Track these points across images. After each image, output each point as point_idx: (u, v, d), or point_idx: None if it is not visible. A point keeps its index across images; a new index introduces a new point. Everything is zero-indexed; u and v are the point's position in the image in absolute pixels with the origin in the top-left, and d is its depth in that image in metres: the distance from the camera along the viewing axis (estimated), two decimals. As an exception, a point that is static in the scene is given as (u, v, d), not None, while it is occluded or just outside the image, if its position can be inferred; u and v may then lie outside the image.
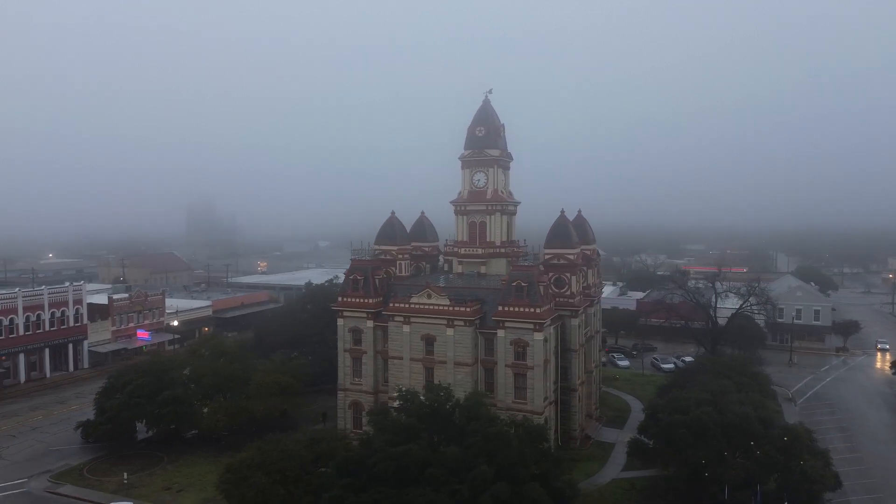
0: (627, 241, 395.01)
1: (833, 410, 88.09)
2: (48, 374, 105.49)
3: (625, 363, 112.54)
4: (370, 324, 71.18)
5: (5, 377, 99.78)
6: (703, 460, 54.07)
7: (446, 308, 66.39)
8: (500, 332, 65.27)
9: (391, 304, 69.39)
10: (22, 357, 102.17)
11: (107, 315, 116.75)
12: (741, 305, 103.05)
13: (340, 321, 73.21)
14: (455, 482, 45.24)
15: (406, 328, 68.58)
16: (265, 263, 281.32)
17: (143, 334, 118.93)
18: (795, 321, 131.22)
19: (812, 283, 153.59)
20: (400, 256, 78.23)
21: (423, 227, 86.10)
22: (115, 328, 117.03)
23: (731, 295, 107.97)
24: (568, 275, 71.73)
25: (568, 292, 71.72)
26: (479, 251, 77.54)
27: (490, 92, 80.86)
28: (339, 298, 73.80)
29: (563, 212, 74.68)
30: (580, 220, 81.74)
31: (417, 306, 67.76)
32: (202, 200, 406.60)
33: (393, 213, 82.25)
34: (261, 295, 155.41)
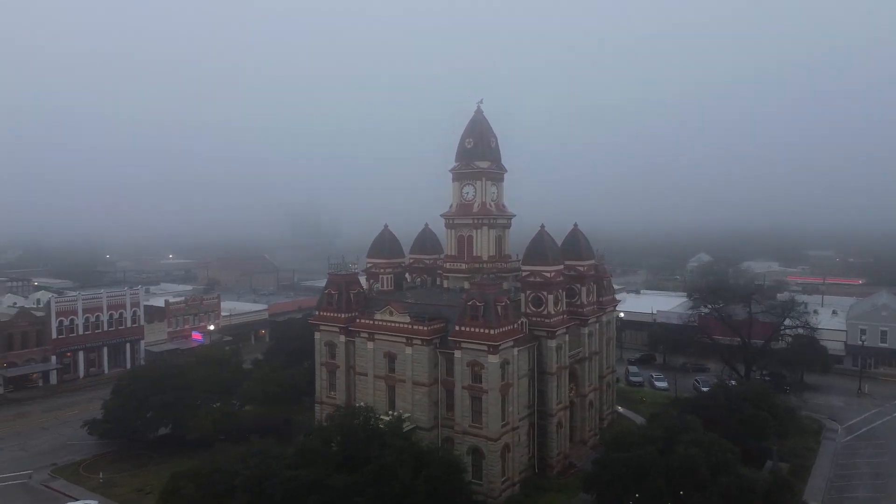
0: (737, 245, 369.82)
1: (879, 452, 77.02)
2: (106, 371, 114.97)
3: (663, 384, 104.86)
4: (342, 338, 71.38)
5: (65, 372, 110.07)
6: (641, 505, 49.38)
7: (406, 326, 65.19)
8: (457, 353, 63.01)
9: (357, 320, 69.21)
10: (81, 354, 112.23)
11: (163, 317, 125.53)
12: (775, 329, 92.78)
13: (317, 335, 74.03)
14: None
15: (370, 345, 68.14)
16: (356, 263, 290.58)
17: (196, 336, 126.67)
18: (880, 344, 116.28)
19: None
20: (382, 270, 77.94)
21: (425, 240, 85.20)
22: (170, 329, 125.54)
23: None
24: (545, 293, 67.98)
25: (545, 312, 67.97)
26: (463, 266, 75.38)
27: (481, 102, 78.54)
28: (316, 312, 74.64)
29: (542, 227, 70.90)
30: (574, 235, 77.41)
31: (380, 323, 67.10)
32: (308, 203, 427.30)
33: (386, 226, 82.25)
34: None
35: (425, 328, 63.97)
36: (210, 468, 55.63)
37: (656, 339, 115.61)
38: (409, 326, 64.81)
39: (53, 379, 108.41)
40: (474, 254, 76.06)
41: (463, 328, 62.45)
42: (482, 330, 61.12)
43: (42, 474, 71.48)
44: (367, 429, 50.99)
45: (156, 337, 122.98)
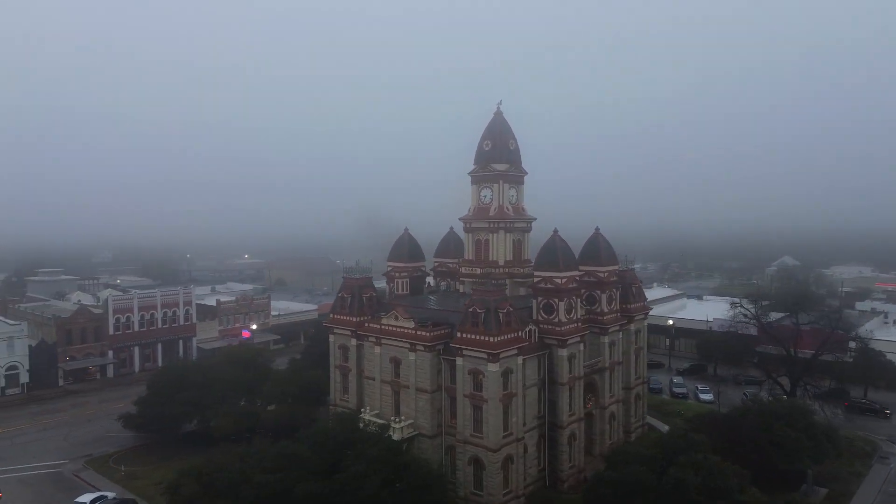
0: (828, 248, 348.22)
1: (938, 480, 69.76)
2: (160, 366, 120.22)
3: (708, 397, 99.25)
4: (354, 342, 71.42)
5: (121, 366, 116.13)
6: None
7: (409, 331, 64.45)
8: (459, 360, 61.68)
9: (365, 325, 69.09)
10: (137, 350, 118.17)
11: (215, 316, 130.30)
12: (824, 341, 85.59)
13: (331, 338, 74.46)
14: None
15: (377, 349, 67.89)
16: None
17: (246, 334, 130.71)
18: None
19: None
20: (398, 274, 77.63)
21: (449, 243, 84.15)
22: (221, 327, 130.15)
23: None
24: (555, 300, 65.58)
25: (556, 319, 65.55)
26: (477, 271, 73.88)
27: (500, 103, 76.81)
28: (331, 315, 75.11)
29: (555, 231, 68.37)
30: (595, 240, 74.38)
31: (386, 328, 66.68)
32: (377, 204, 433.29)
33: (406, 229, 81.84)
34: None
35: (428, 334, 63.03)
36: (211, 466, 56.79)
37: (704, 349, 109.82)
38: (413, 332, 64.05)
39: (111, 372, 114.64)
40: (490, 258, 74.50)
41: (464, 335, 61.12)
42: (482, 337, 59.53)
43: (77, 464, 75.44)
44: (346, 435, 50.61)
45: (208, 334, 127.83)
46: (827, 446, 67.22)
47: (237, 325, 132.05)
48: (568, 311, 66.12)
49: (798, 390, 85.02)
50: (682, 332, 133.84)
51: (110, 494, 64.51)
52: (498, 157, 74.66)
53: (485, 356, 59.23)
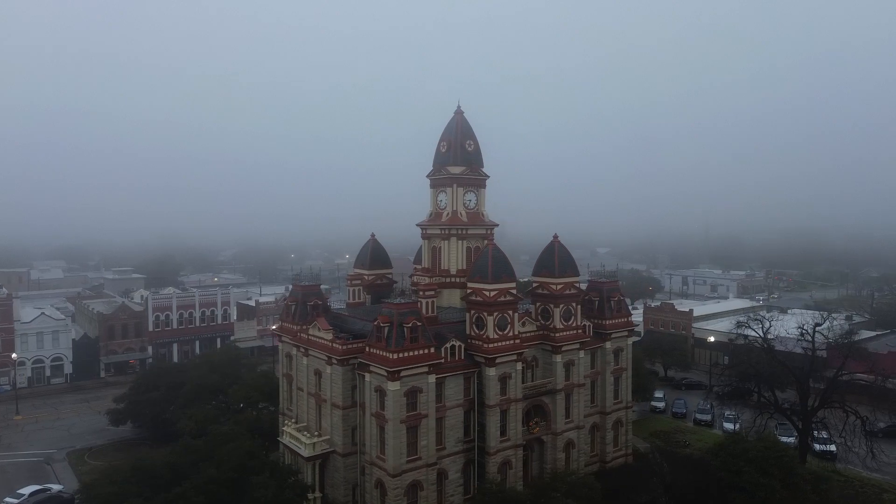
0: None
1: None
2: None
3: (732, 426, 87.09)
4: (295, 351, 69.66)
5: (161, 361, 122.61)
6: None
7: (327, 343, 61.57)
8: (367, 377, 57.96)
9: (297, 334, 67.05)
10: (175, 346, 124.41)
11: (253, 315, 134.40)
12: (835, 374, 71.52)
13: (280, 346, 73.20)
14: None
15: (305, 360, 65.63)
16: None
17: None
18: None
19: None
20: (350, 282, 75.06)
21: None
22: (260, 327, 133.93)
23: None
24: (485, 314, 59.88)
25: (485, 335, 59.86)
26: (426, 280, 69.35)
27: (459, 104, 71.87)
28: (280, 323, 73.86)
29: (491, 239, 62.77)
30: (550, 250, 67.18)
31: (311, 338, 64.24)
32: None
33: (372, 235, 78.92)
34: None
35: (340, 347, 59.79)
36: (130, 468, 57.00)
37: (740, 370, 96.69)
38: (329, 344, 61.13)
39: (149, 366, 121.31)
40: (442, 266, 69.88)
41: (371, 350, 57.38)
42: (382, 353, 55.49)
43: (61, 455, 79.88)
44: (200, 448, 48.97)
45: (246, 334, 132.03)
46: (811, 497, 56.17)
47: (275, 325, 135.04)
48: (500, 327, 60.12)
49: (808, 427, 72.25)
50: (741, 349, 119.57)
51: (55, 487, 67.09)
52: (453, 159, 69.88)
53: (384, 373, 55.13)
